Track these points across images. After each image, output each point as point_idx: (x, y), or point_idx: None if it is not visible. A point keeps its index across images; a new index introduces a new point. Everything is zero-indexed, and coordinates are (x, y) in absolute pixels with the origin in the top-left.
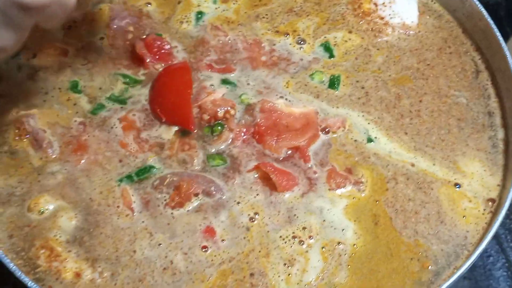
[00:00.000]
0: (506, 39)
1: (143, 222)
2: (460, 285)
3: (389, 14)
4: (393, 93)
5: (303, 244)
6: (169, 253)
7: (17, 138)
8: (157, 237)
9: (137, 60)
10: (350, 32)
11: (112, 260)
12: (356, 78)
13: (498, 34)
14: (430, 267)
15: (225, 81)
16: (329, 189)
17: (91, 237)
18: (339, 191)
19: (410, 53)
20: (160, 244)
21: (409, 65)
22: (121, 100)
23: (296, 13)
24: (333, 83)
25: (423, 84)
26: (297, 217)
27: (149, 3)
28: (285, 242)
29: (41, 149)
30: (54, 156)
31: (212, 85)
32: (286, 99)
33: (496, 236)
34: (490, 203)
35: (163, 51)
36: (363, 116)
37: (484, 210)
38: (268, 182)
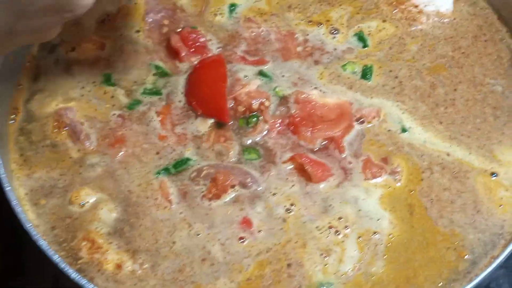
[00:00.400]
0: None
1: (181, 213)
2: (496, 274)
3: (423, 2)
4: (428, 82)
5: (339, 234)
6: (207, 243)
7: (55, 130)
8: (195, 228)
9: (173, 53)
10: (384, 21)
11: (152, 251)
12: (390, 67)
13: None
14: (466, 256)
15: (259, 73)
16: (365, 179)
17: (131, 229)
18: (374, 181)
19: (444, 41)
20: (198, 235)
21: (443, 54)
22: (156, 92)
23: (329, 2)
24: (366, 73)
25: (458, 73)
26: (333, 207)
27: None
28: (321, 233)
29: (79, 141)
30: (92, 148)
31: (246, 76)
32: (320, 90)
33: None
34: None
35: (198, 44)
36: (397, 105)
37: None
38: (304, 173)
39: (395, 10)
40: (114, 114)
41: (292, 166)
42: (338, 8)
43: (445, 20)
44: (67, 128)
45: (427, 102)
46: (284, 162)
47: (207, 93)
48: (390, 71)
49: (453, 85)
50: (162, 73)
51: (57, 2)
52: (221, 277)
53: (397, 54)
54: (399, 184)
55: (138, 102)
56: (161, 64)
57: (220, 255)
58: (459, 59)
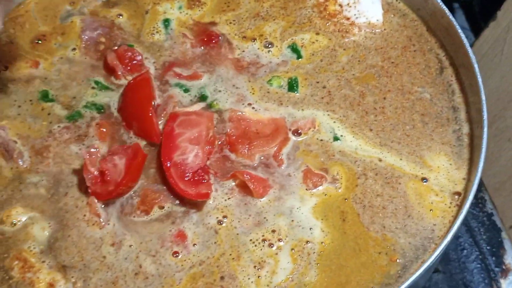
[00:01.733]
0: (478, 34)
1: (111, 228)
2: (435, 279)
3: (355, 14)
4: (357, 91)
5: (272, 246)
6: (140, 257)
7: None
8: (127, 241)
9: (110, 71)
10: (317, 34)
11: (83, 267)
12: (317, 78)
13: (460, 31)
14: (398, 260)
15: (195, 89)
16: (306, 189)
17: (62, 246)
18: (315, 190)
19: (375, 51)
20: (131, 246)
21: (373, 64)
22: (97, 107)
23: (263, 17)
24: (292, 86)
25: (387, 82)
26: (267, 220)
27: (121, 14)
28: (255, 245)
29: (12, 159)
30: (25, 166)
31: (180, 92)
32: (253, 107)
33: (469, 229)
34: (456, 196)
35: (134, 62)
36: (328, 115)
37: (451, 203)
38: (246, 189)
39: (328, 23)
40: (54, 128)
41: (234, 183)
42: (272, 23)
43: (376, 31)
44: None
45: (356, 110)
46: (227, 179)
47: (134, 114)
48: (317, 82)
49: (382, 93)
50: (102, 87)
51: None
52: None
53: (327, 66)
54: (340, 191)
55: (78, 114)
56: (101, 79)
57: (152, 269)
58: (389, 68)
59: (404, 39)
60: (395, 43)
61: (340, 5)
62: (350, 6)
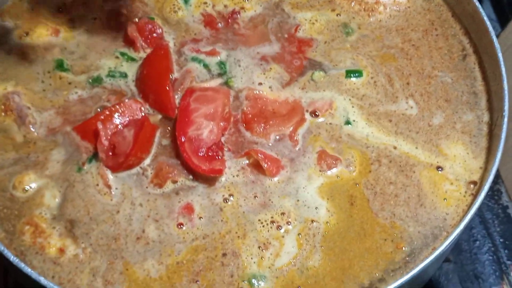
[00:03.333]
0: (505, 23)
1: (123, 198)
2: (445, 268)
3: None
4: (384, 74)
5: (280, 229)
6: (144, 222)
7: (3, 114)
8: (135, 209)
9: (129, 42)
10: (338, 15)
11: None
12: (342, 59)
13: (485, 18)
14: (404, 248)
15: (213, 65)
16: (320, 170)
17: (74, 213)
18: (329, 172)
19: (396, 32)
20: (138, 213)
21: (392, 45)
22: (122, 74)
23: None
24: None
25: (407, 64)
26: (271, 201)
27: None
28: (263, 226)
29: (24, 125)
30: (36, 134)
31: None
32: (269, 86)
33: (483, 221)
34: (472, 185)
35: (154, 34)
36: (349, 99)
37: (466, 192)
38: (258, 168)
39: (353, 3)
40: (71, 96)
41: (248, 161)
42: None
43: (401, 8)
44: (14, 111)
45: (373, 96)
46: (241, 156)
47: (151, 87)
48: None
49: (405, 78)
50: (128, 58)
51: None
52: (149, 258)
53: (342, 44)
54: (354, 174)
55: (99, 80)
56: (126, 51)
57: (154, 235)
58: (408, 50)
59: (426, 23)
60: (416, 25)
61: None
62: None
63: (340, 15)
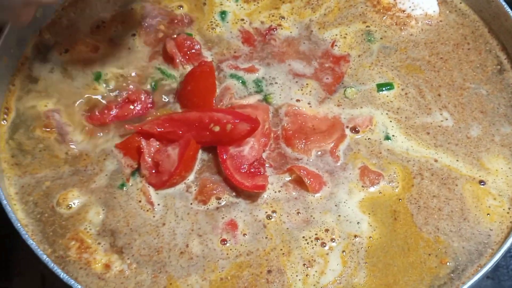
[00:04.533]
0: None
1: (166, 215)
2: (483, 285)
3: (410, 7)
4: (413, 85)
5: (325, 246)
6: (189, 237)
7: (44, 131)
8: (179, 225)
9: (168, 59)
10: (368, 26)
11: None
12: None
13: None
14: (448, 263)
15: (250, 82)
16: (363, 186)
17: (118, 228)
18: (372, 189)
19: (423, 45)
20: (182, 227)
21: (419, 57)
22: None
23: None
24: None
25: (435, 76)
26: (313, 217)
27: (181, 6)
28: (308, 243)
29: (64, 142)
30: (76, 150)
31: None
32: (308, 103)
33: None
34: None
35: (193, 51)
36: (386, 113)
37: (509, 209)
38: (301, 184)
39: (384, 17)
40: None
41: (290, 177)
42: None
43: (433, 22)
44: (54, 129)
45: (414, 110)
46: (283, 173)
47: (196, 103)
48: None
49: (434, 89)
50: (166, 75)
51: None
52: (193, 273)
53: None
54: (396, 190)
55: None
56: (165, 67)
57: (198, 250)
58: (436, 63)
59: (459, 37)
60: (447, 39)
61: None
62: None
63: (369, 27)
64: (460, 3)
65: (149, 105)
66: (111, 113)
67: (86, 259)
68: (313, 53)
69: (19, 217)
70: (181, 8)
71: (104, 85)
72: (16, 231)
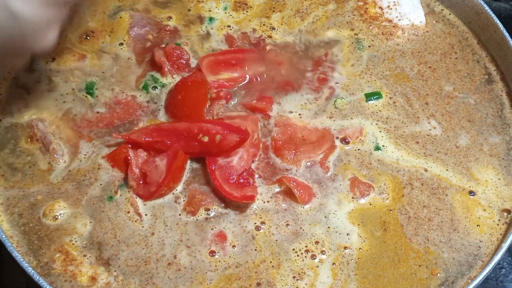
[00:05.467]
0: None
1: (155, 225)
2: None
3: (396, 17)
4: (400, 94)
5: (315, 258)
6: (177, 248)
7: (29, 141)
8: (167, 235)
9: (156, 68)
10: (356, 34)
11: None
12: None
13: None
14: (439, 274)
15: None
16: (353, 197)
17: (105, 240)
18: (362, 200)
19: (411, 55)
20: (170, 238)
21: (406, 66)
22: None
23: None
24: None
25: (423, 85)
26: (303, 229)
27: (170, 17)
28: (298, 255)
29: (48, 153)
30: (61, 160)
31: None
32: (299, 114)
33: (509, 248)
34: (505, 213)
35: (182, 60)
36: (376, 124)
37: (499, 220)
38: (290, 195)
39: (371, 26)
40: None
41: (280, 188)
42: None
43: (419, 33)
44: (38, 139)
45: (402, 119)
46: (273, 183)
47: (186, 113)
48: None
49: (422, 97)
50: (158, 83)
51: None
52: (180, 285)
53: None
54: (387, 202)
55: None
56: (158, 75)
57: (186, 261)
58: (424, 72)
59: (446, 46)
60: (435, 49)
61: (381, 8)
62: (391, 9)
63: (358, 35)
64: (449, 14)
65: (137, 111)
66: (99, 121)
67: (71, 272)
68: (304, 62)
69: (4, 228)
70: (170, 20)
71: (92, 93)
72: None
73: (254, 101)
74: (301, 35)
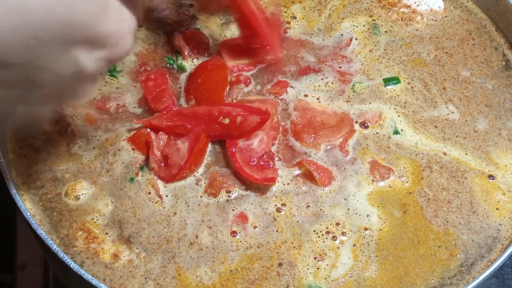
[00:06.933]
0: None
1: (176, 206)
2: (487, 283)
3: (415, 2)
4: (418, 79)
5: (336, 239)
6: (198, 228)
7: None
8: (189, 215)
9: (171, 53)
10: (374, 20)
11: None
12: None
13: None
14: (458, 255)
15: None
16: (373, 180)
17: (126, 218)
18: (382, 183)
19: (429, 40)
20: (192, 218)
21: (424, 51)
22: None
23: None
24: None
25: (440, 70)
26: (323, 211)
27: (192, 5)
28: (319, 237)
29: (66, 134)
30: (80, 142)
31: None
32: (317, 98)
33: None
34: None
35: (202, 45)
36: (394, 108)
37: None
38: (310, 178)
39: (390, 12)
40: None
41: (300, 171)
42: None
43: (438, 18)
44: (57, 121)
45: (416, 102)
46: (293, 166)
47: (206, 96)
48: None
49: (439, 82)
50: (179, 67)
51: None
52: (202, 264)
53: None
54: (407, 185)
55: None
56: (179, 59)
57: (208, 241)
58: (441, 58)
59: (463, 32)
60: (452, 34)
61: None
62: None
63: (376, 21)
64: (468, 1)
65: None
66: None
67: (94, 249)
68: (323, 46)
69: (27, 206)
70: (191, 7)
71: (114, 75)
72: (16, 222)
73: (269, 86)
74: (319, 23)
